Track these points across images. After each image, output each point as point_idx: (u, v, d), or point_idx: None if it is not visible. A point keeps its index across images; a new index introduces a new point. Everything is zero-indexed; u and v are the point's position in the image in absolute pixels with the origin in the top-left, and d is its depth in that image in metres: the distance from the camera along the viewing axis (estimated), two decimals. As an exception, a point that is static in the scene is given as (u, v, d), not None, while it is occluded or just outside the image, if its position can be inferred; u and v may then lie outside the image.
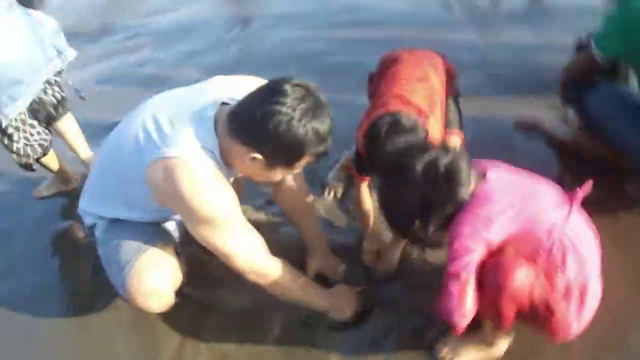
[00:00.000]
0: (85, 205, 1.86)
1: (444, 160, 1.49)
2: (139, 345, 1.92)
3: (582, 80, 2.20)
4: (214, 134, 1.54)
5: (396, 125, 1.71)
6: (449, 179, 1.49)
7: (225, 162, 1.59)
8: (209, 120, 1.54)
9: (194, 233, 1.59)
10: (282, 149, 1.47)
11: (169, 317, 1.94)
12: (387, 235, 2.06)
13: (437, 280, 1.58)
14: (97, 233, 1.83)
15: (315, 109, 1.44)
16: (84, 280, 2.19)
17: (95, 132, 2.79)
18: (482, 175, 1.55)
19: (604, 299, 1.53)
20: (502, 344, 1.69)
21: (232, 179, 1.69)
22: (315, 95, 1.46)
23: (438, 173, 1.48)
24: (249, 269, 1.65)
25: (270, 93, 1.45)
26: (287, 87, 1.43)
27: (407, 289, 1.95)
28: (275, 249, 1.73)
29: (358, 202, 2.08)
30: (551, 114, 2.61)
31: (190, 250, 1.96)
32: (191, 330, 1.92)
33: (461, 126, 2.07)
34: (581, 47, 2.20)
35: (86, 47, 4.14)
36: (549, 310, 1.44)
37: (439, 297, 1.57)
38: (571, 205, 1.50)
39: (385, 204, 1.62)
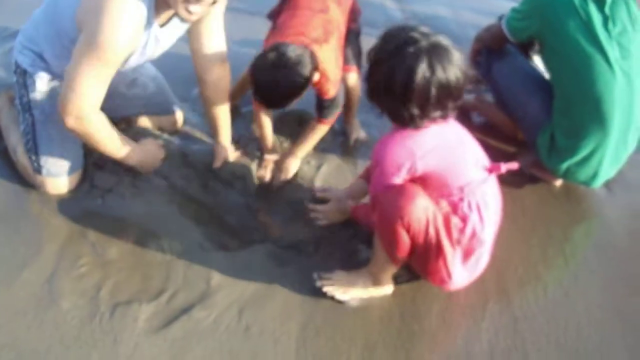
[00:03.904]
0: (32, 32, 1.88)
1: None
2: (21, 242, 1.84)
3: (493, 48, 2.27)
4: None
5: (281, 58, 1.76)
6: None
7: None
8: None
9: (75, 48, 1.66)
10: None
11: (55, 217, 1.91)
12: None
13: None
14: (36, 88, 1.89)
15: None
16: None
17: None
18: None
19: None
20: (387, 286, 1.73)
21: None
22: None
23: None
24: (75, 111, 1.69)
25: None
26: None
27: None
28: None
29: (259, 125, 2.14)
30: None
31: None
32: (77, 231, 1.87)
33: (359, 63, 2.13)
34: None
35: None
36: (439, 250, 1.49)
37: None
38: (490, 173, 1.56)
39: None
